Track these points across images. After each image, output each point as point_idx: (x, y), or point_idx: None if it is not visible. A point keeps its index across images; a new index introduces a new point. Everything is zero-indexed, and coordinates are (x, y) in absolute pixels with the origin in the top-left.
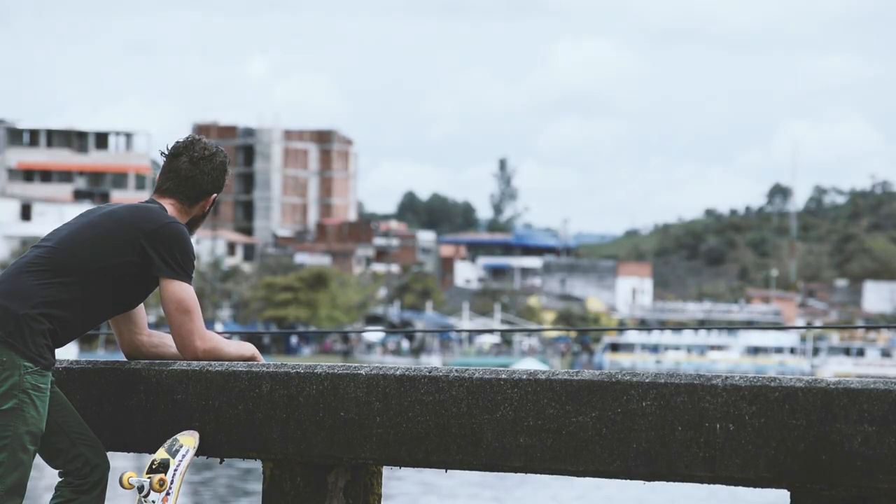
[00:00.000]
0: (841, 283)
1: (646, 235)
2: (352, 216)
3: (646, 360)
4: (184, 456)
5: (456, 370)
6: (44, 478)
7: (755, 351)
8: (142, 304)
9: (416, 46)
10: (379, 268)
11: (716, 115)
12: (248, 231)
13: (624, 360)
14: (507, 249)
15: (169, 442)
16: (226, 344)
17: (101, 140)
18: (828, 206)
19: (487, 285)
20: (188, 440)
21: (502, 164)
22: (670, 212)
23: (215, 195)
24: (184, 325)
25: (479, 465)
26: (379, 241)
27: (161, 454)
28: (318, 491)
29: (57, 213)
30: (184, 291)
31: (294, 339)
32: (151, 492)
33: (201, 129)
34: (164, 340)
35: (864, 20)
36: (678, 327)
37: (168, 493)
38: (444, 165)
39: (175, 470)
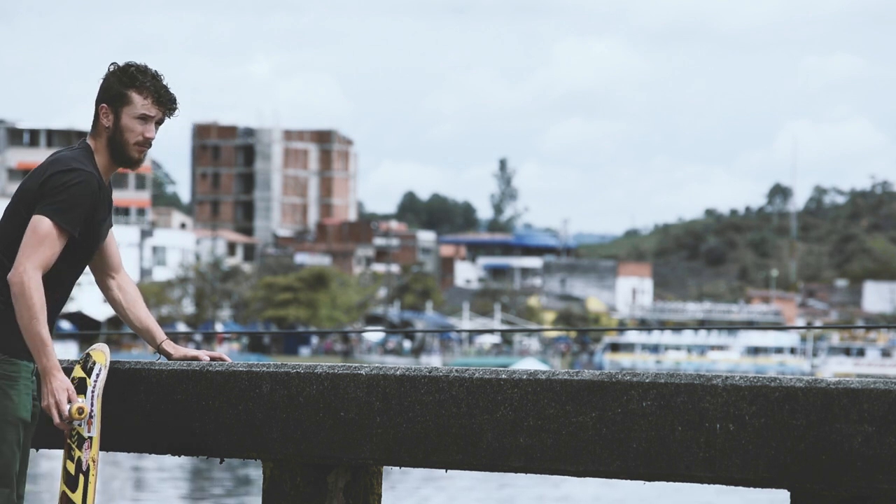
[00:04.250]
0: (841, 283)
1: (646, 235)
2: (352, 216)
3: (646, 360)
4: (97, 375)
5: (456, 370)
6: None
7: (755, 351)
8: (109, 249)
9: (418, 46)
10: (379, 268)
11: (717, 115)
12: (248, 231)
13: (624, 360)
14: (507, 249)
15: (84, 356)
16: (38, 294)
17: None
18: (828, 206)
19: (487, 285)
20: (99, 356)
21: (502, 164)
22: (670, 212)
23: (105, 105)
24: (25, 250)
25: (479, 465)
26: (379, 241)
27: (78, 371)
28: (318, 491)
29: None
30: (43, 224)
31: (314, 339)
32: (73, 420)
33: (201, 129)
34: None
35: (866, 20)
36: (678, 327)
37: (91, 417)
38: (445, 165)
39: (93, 393)
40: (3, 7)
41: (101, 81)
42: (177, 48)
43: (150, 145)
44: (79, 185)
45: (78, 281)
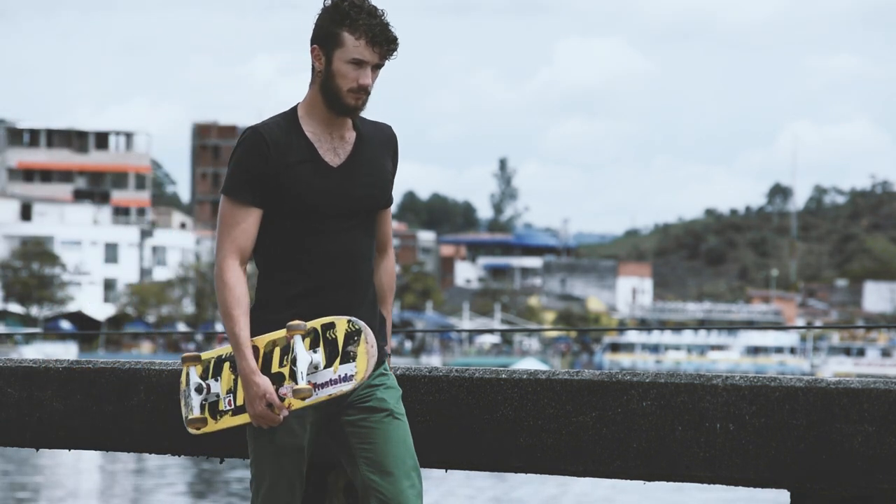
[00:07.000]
0: (841, 283)
1: (646, 235)
2: None
3: (646, 360)
4: (348, 379)
5: (456, 370)
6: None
7: (755, 351)
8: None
9: (418, 46)
10: None
11: (718, 114)
12: None
13: (624, 360)
14: (508, 249)
15: (347, 333)
16: (227, 289)
17: (102, 140)
18: (828, 205)
19: (487, 285)
20: (362, 361)
21: (502, 164)
22: (670, 212)
23: (316, 46)
24: (216, 239)
25: (479, 465)
26: None
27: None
28: (318, 491)
29: (57, 213)
30: (220, 206)
31: None
32: (289, 390)
33: (202, 129)
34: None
35: (867, 20)
36: (678, 327)
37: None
38: (445, 165)
39: (323, 386)
40: (3, 7)
41: (314, 19)
42: (177, 48)
43: (367, 92)
44: (238, 148)
45: (79, 281)
